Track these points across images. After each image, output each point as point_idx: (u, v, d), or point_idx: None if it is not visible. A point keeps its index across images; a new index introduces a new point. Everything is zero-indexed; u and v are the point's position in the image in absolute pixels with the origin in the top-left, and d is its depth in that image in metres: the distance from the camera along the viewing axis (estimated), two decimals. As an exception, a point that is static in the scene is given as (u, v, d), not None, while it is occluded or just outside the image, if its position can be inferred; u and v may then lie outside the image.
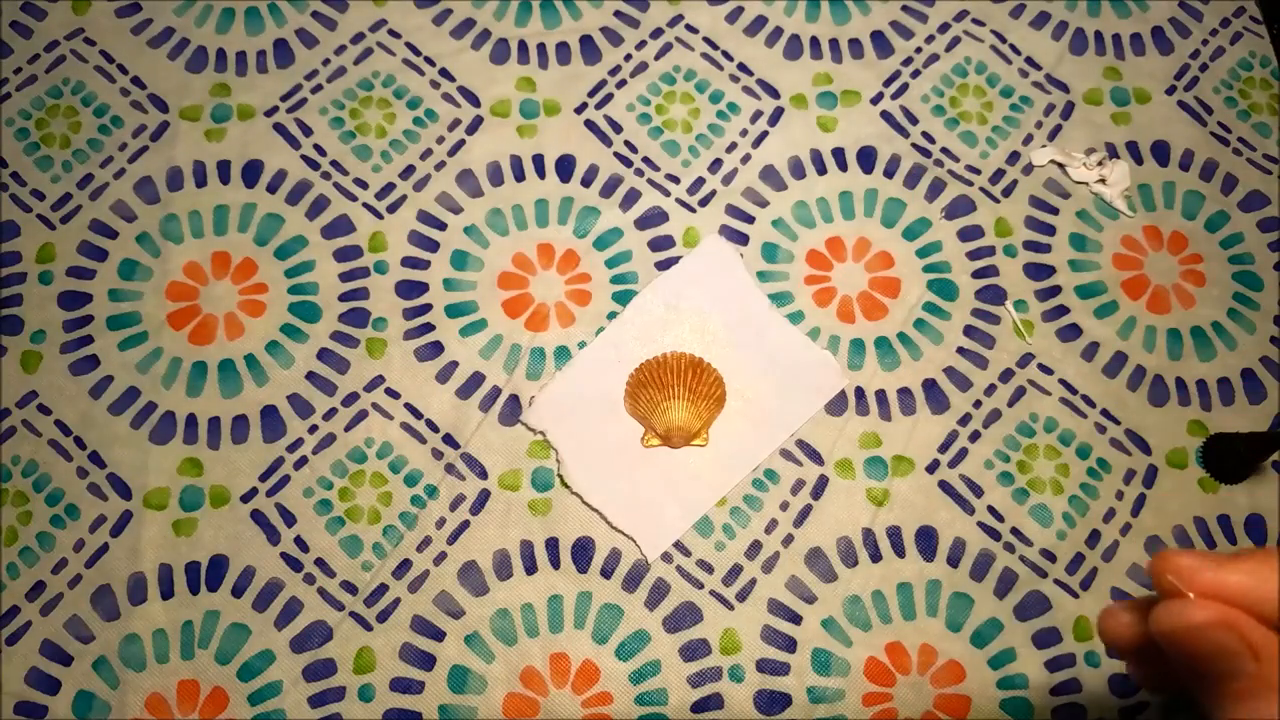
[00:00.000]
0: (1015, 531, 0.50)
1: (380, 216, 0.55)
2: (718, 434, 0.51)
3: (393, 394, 0.52)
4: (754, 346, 0.53)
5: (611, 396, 0.52)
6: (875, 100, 0.59)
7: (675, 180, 0.56)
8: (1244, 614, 0.30)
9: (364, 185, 0.56)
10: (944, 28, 0.61)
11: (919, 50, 0.60)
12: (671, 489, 0.50)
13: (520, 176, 0.56)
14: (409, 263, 0.54)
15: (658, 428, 0.50)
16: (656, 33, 0.60)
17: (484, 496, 0.50)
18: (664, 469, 0.50)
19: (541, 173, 0.56)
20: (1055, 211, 0.57)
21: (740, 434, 0.51)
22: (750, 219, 0.56)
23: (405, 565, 0.49)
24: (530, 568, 0.49)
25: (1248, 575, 0.30)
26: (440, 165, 0.56)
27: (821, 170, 0.57)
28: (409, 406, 0.52)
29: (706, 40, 0.60)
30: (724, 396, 0.51)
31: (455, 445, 0.51)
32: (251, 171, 0.56)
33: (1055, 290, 0.55)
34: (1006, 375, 0.53)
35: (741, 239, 0.55)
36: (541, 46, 0.59)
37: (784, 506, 0.50)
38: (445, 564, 0.49)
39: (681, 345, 0.52)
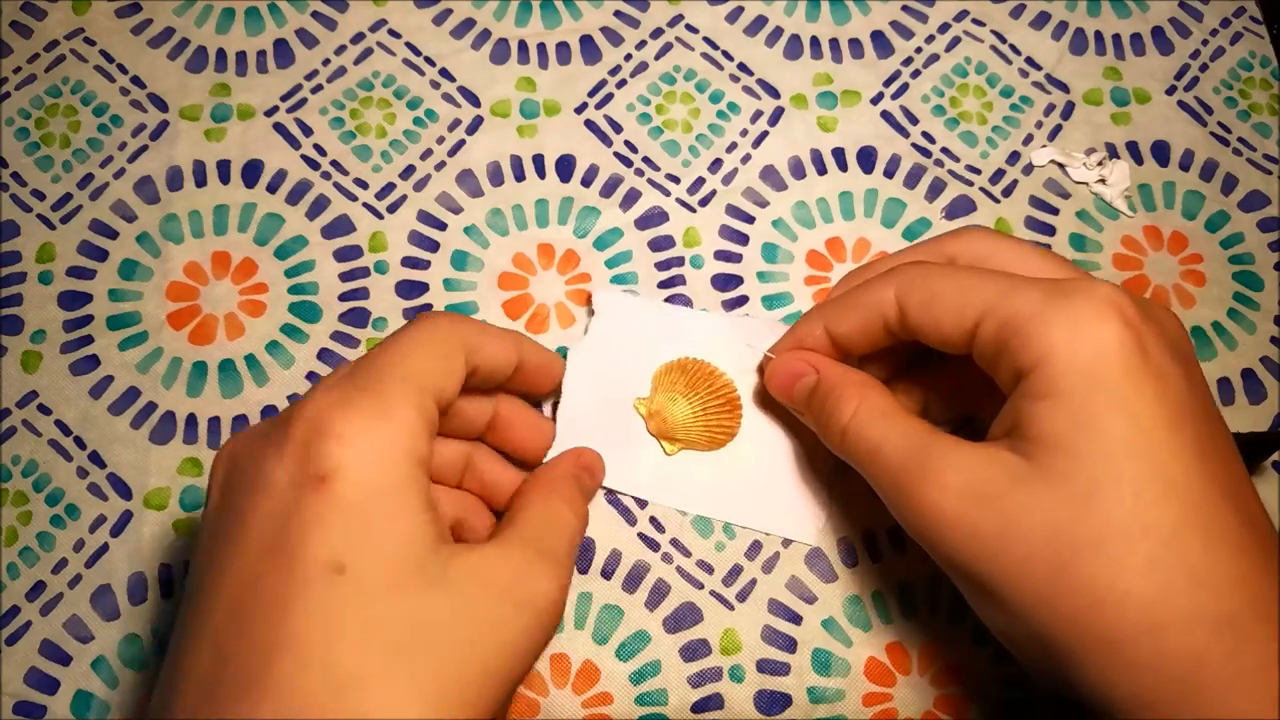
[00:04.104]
0: (1015, 531, 0.50)
1: (380, 216, 0.55)
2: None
3: (393, 394, 0.52)
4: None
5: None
6: (875, 100, 0.59)
7: (675, 180, 0.56)
8: (812, 353, 0.43)
9: (364, 185, 0.56)
10: (944, 28, 0.61)
11: (919, 50, 0.60)
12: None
13: (520, 176, 0.56)
14: (409, 263, 0.54)
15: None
16: (656, 33, 0.60)
17: (484, 496, 0.50)
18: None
19: (541, 173, 0.56)
20: (1055, 211, 0.57)
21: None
22: (750, 219, 0.56)
23: (405, 565, 0.49)
24: (530, 568, 0.49)
25: (807, 326, 0.44)
26: (440, 165, 0.56)
27: (821, 170, 0.57)
28: (409, 406, 0.51)
29: (706, 40, 0.60)
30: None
31: (455, 445, 0.51)
32: (251, 171, 0.56)
33: (1055, 290, 0.55)
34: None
35: (742, 239, 0.55)
36: (541, 46, 0.59)
37: (784, 506, 0.50)
38: (445, 564, 0.49)
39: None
